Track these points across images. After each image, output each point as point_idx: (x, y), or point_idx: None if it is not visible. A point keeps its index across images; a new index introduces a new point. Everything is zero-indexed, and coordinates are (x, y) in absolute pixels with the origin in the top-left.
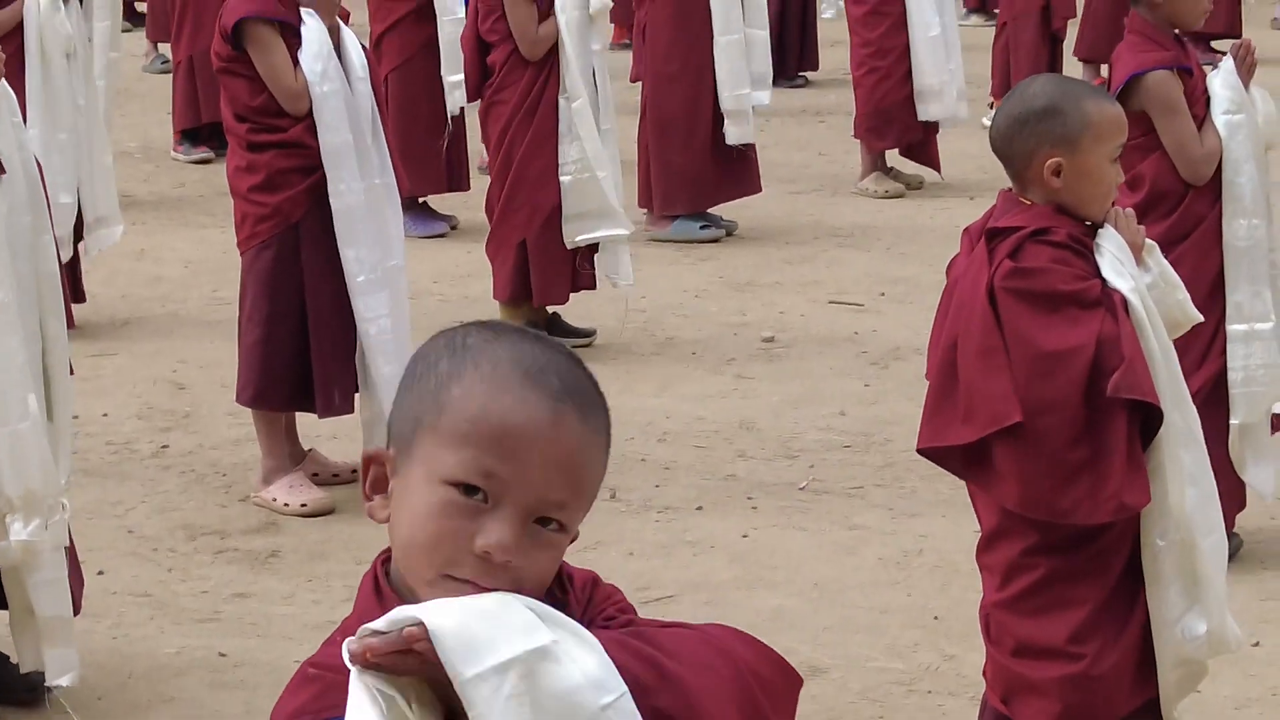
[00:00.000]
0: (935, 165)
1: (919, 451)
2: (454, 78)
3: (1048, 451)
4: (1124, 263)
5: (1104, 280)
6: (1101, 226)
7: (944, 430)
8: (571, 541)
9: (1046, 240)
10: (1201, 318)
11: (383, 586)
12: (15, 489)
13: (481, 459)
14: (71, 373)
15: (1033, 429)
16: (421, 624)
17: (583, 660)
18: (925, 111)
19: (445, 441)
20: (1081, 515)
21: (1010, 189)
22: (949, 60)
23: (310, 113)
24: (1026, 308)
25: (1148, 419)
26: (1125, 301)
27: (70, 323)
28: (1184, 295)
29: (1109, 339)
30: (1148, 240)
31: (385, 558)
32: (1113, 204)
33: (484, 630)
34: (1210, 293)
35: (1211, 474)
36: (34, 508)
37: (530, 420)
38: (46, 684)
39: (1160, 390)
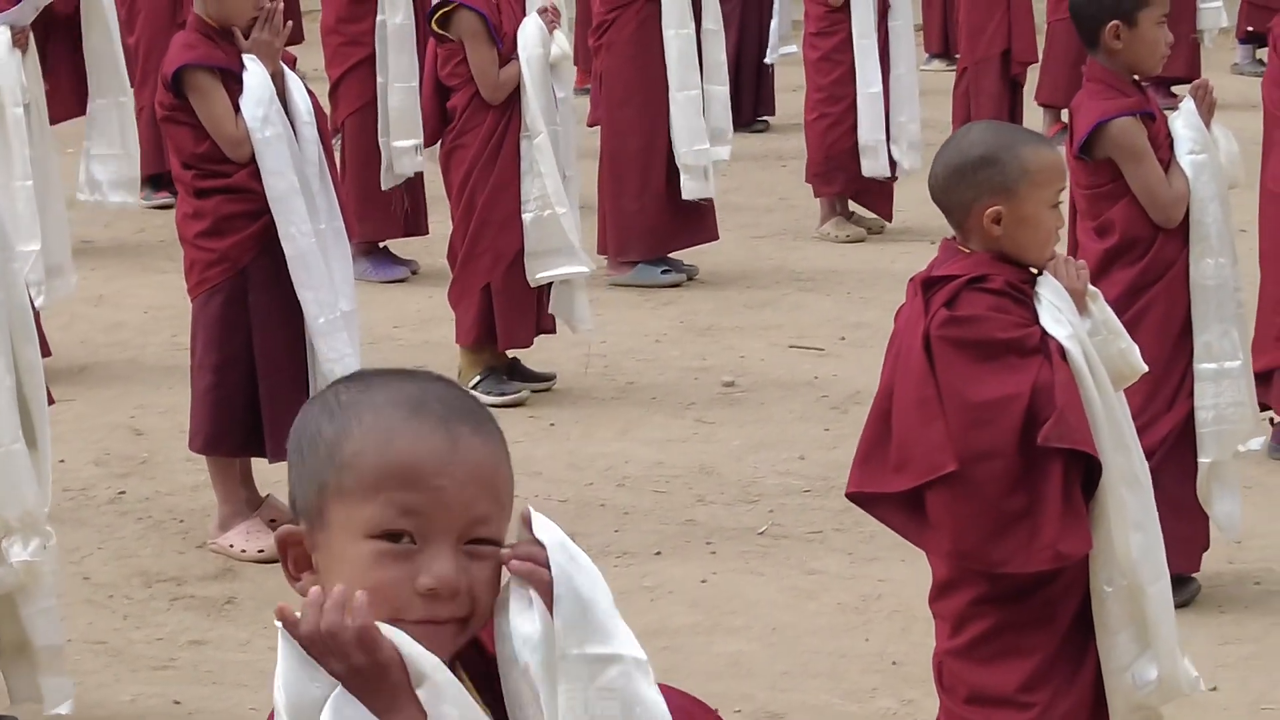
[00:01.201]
0: (886, 214)
1: (848, 496)
2: (406, 143)
3: (983, 501)
4: (1062, 309)
5: (1043, 328)
6: (1041, 274)
7: (876, 477)
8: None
9: (984, 288)
10: (1145, 368)
11: None
12: (13, 510)
13: (396, 500)
14: (51, 401)
15: (968, 478)
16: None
17: (658, 691)
18: (865, 166)
19: (356, 499)
20: (1016, 565)
21: (953, 238)
22: (902, 111)
23: (254, 158)
24: (962, 356)
25: (1092, 466)
26: (1063, 349)
27: (45, 350)
28: (1127, 344)
29: (1044, 387)
30: (1091, 288)
31: None
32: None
33: (605, 618)
34: (1181, 336)
35: (1157, 519)
36: (32, 529)
37: (431, 450)
38: (45, 712)
39: (1100, 436)
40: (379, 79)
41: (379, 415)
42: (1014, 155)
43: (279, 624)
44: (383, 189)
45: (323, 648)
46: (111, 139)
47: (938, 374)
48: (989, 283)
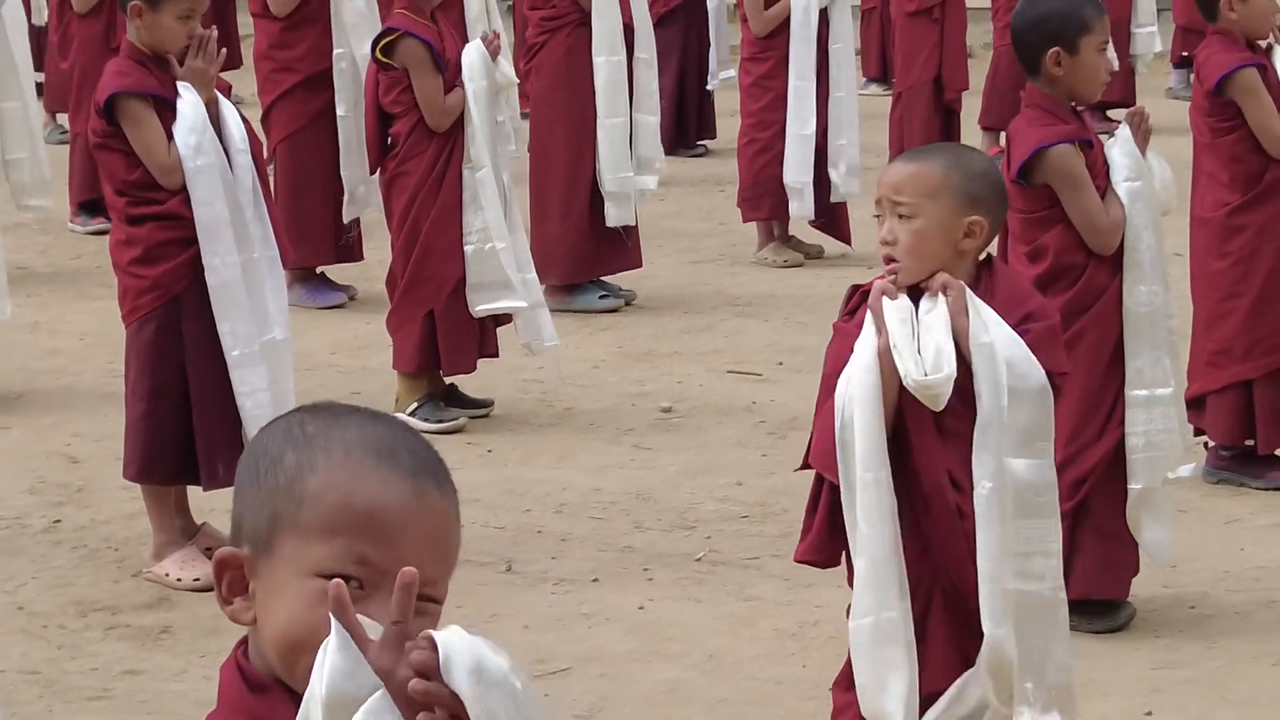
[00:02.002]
0: (845, 238)
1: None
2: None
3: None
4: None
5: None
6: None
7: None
8: None
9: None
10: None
11: (257, 677)
12: None
13: (354, 547)
14: None
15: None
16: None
17: None
18: (792, 208)
19: (311, 535)
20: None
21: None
22: (841, 134)
23: (186, 186)
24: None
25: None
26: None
27: None
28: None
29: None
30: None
31: (245, 649)
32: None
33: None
34: (1113, 362)
35: (895, 548)
36: None
37: (397, 501)
38: None
39: (848, 463)
40: (339, 110)
41: (349, 454)
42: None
43: (333, 607)
44: (344, 220)
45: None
46: (22, 141)
47: None
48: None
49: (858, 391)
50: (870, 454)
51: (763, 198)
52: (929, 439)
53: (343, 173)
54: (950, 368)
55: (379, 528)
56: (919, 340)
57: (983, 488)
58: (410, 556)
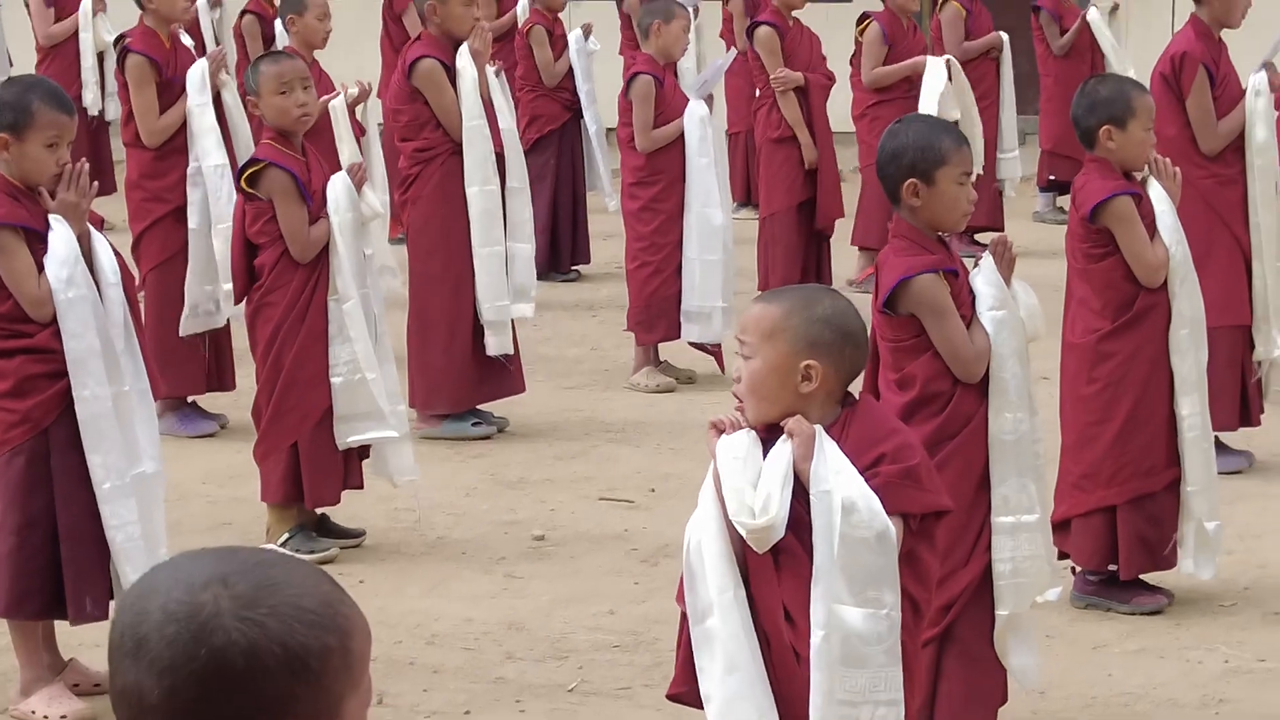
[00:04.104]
0: (720, 362)
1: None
2: (223, 287)
3: None
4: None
5: None
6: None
7: None
8: None
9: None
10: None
11: None
12: None
13: None
14: None
15: None
16: None
17: None
18: (688, 330)
19: None
20: None
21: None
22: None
23: (56, 319)
24: None
25: None
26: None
27: None
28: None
29: None
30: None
31: None
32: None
33: None
34: (979, 489)
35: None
36: None
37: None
38: None
39: (696, 590)
40: (190, 223)
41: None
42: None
43: None
44: (184, 334)
45: None
46: None
47: None
48: None
49: (704, 518)
50: (722, 576)
51: (656, 320)
52: (768, 577)
53: (186, 285)
54: (772, 514)
55: None
56: (760, 480)
57: (816, 635)
58: None
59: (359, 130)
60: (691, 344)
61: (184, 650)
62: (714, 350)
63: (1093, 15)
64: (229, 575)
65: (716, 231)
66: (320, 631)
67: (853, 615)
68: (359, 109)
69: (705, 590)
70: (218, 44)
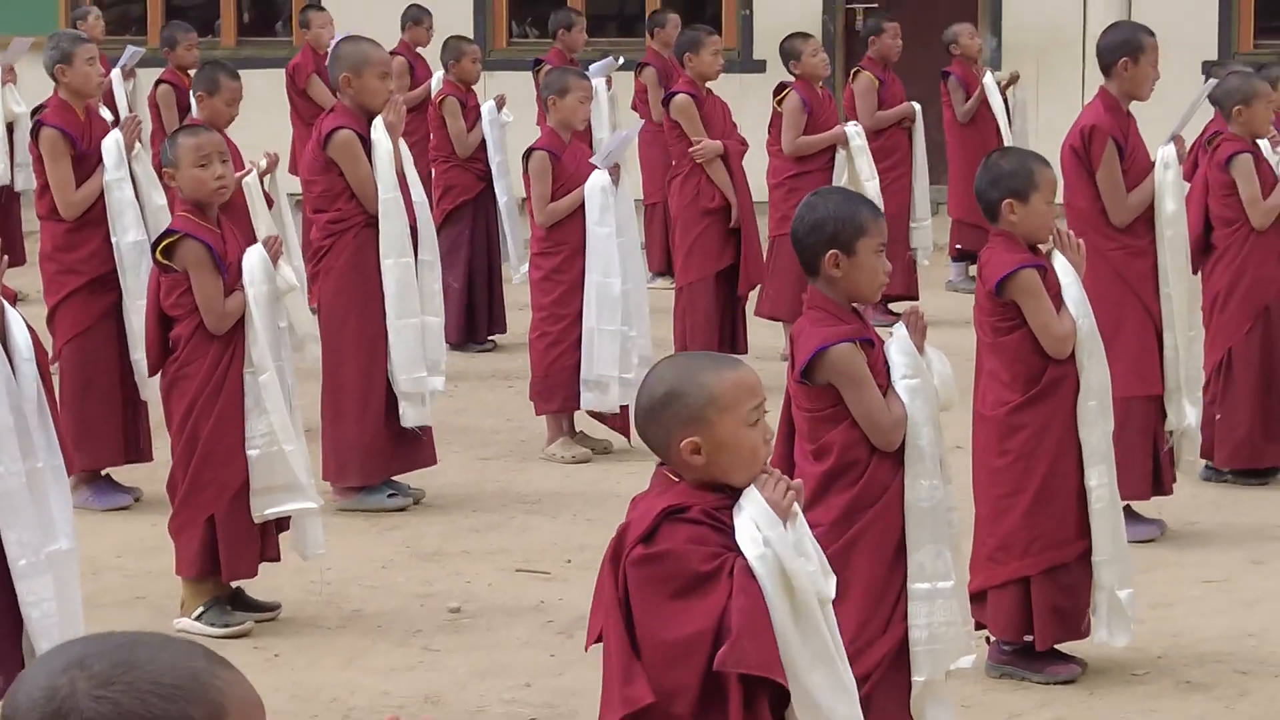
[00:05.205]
0: (625, 432)
1: None
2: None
3: None
4: (760, 524)
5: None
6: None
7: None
8: None
9: (683, 519)
10: (833, 593)
11: None
12: None
13: None
14: None
15: (664, 712)
16: None
17: None
18: (586, 399)
19: None
20: None
21: (661, 463)
22: (631, 328)
23: None
24: (657, 594)
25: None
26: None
27: None
28: (814, 568)
29: (727, 613)
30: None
31: None
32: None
33: None
34: (896, 556)
35: None
36: None
37: None
38: None
39: (792, 653)
40: (124, 298)
41: None
42: (696, 384)
43: None
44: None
45: None
46: None
47: (634, 609)
48: (688, 513)
49: (788, 585)
50: (829, 637)
51: (554, 390)
52: None
53: (131, 355)
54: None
55: None
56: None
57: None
58: None
59: (268, 201)
60: (590, 413)
61: None
62: (613, 420)
63: (988, 80)
64: (87, 657)
65: (615, 302)
66: (182, 704)
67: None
68: (267, 179)
69: None
70: (131, 112)
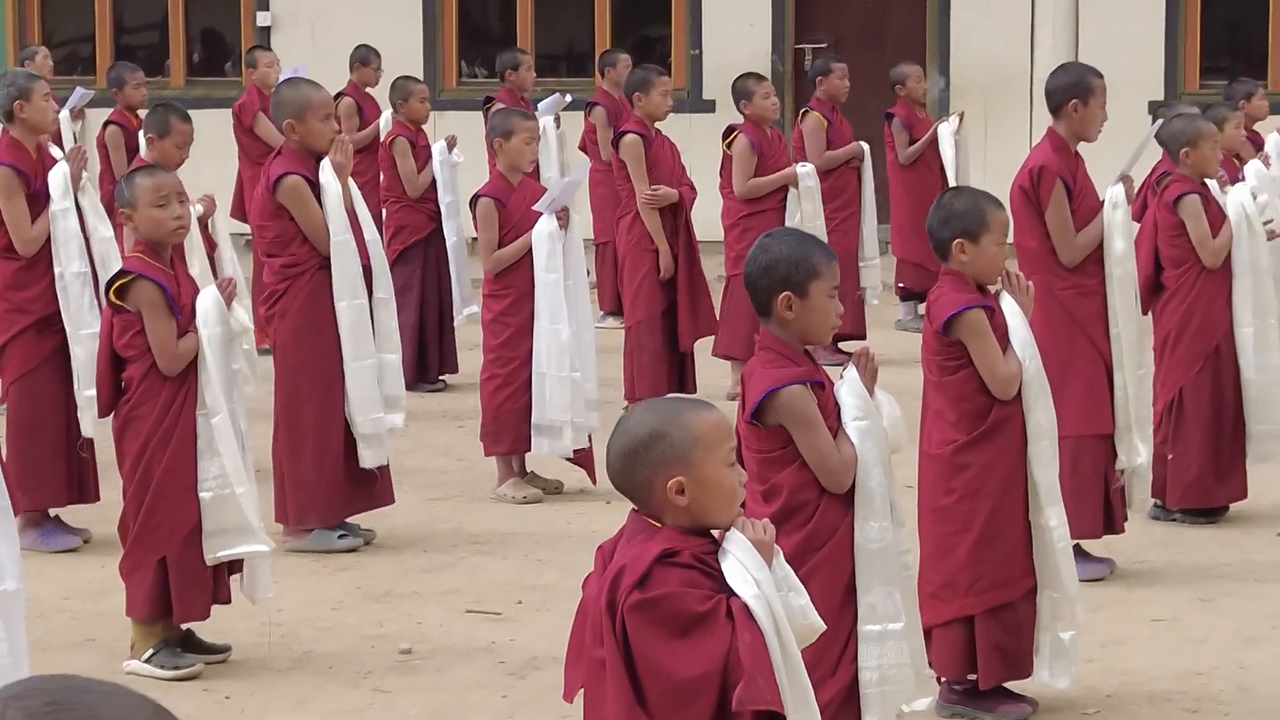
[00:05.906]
0: (590, 473)
1: None
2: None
3: None
4: (748, 565)
5: (732, 590)
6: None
7: None
8: None
9: (674, 563)
10: (823, 626)
11: None
12: None
13: None
14: None
15: None
16: None
17: None
18: (538, 444)
19: None
20: None
21: (636, 510)
22: (578, 369)
23: None
24: (659, 635)
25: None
26: (748, 608)
27: None
28: (805, 601)
29: (733, 652)
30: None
31: None
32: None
33: None
34: (846, 598)
35: None
36: None
37: None
38: None
39: (784, 694)
40: (67, 328)
41: None
42: (679, 424)
43: None
44: (84, 434)
45: None
46: None
47: (636, 655)
48: (678, 557)
49: (777, 626)
50: (805, 681)
51: (503, 432)
52: None
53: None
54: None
55: None
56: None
57: None
58: None
59: (210, 245)
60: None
61: None
62: (580, 459)
63: (943, 129)
64: (26, 694)
65: (564, 348)
66: None
67: None
68: (209, 223)
69: None
70: (77, 143)
